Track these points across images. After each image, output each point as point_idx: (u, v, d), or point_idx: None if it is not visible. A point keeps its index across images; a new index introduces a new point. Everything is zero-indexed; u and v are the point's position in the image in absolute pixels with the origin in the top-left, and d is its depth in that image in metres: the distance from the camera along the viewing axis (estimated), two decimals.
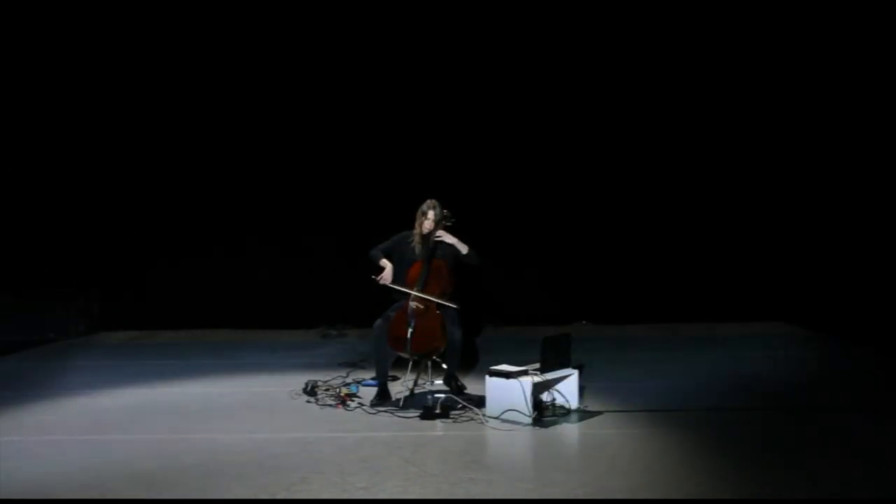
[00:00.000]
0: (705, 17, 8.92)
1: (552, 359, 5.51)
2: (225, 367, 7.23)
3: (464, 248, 6.17)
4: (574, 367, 5.69)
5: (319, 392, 6.06)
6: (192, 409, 5.84)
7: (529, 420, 5.29)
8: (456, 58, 8.95)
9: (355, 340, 8.34)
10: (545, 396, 5.56)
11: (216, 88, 8.99)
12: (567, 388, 5.61)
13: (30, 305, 8.59)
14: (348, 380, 6.45)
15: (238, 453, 4.81)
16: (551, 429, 5.26)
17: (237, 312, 9.07)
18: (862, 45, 8.27)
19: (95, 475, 4.48)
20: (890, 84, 8.05)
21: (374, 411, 5.66)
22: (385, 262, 6.20)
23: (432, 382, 6.30)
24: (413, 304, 5.95)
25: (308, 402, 5.92)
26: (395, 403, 5.78)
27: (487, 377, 5.52)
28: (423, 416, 5.46)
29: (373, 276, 6.15)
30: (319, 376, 6.47)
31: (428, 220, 6.18)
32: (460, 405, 5.59)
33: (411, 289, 6.00)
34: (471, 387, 6.10)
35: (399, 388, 6.16)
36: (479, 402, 5.59)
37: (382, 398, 5.87)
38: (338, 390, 6.06)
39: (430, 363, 6.27)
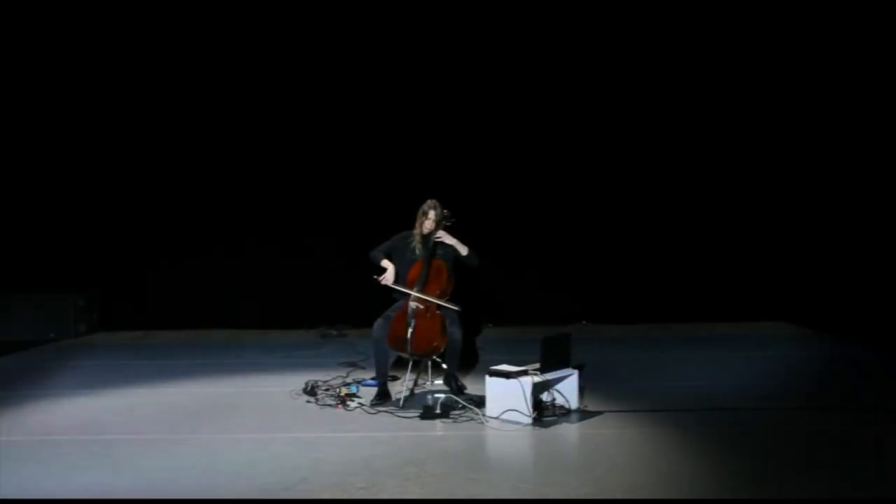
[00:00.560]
0: (705, 17, 8.93)
1: (552, 359, 5.51)
2: (225, 367, 7.23)
3: (464, 250, 6.17)
4: (574, 367, 5.69)
5: (319, 392, 6.06)
6: (192, 409, 5.84)
7: (529, 420, 5.29)
8: (456, 58, 8.95)
9: (355, 340, 8.33)
10: (545, 396, 5.56)
11: (216, 89, 8.98)
12: (567, 388, 5.61)
13: (30, 305, 8.59)
14: (348, 380, 6.45)
15: (238, 453, 4.81)
16: (551, 429, 5.26)
17: (237, 312, 9.07)
18: (862, 45, 8.27)
19: (95, 475, 4.47)
20: (890, 83, 8.04)
21: (374, 411, 5.66)
22: (387, 263, 6.20)
23: (432, 382, 6.30)
24: (413, 304, 5.95)
25: (308, 402, 5.92)
26: (395, 403, 5.78)
27: (487, 377, 5.52)
28: (423, 416, 5.47)
29: (374, 277, 6.16)
30: (319, 376, 6.47)
31: (429, 220, 6.18)
32: (460, 405, 5.59)
33: (411, 289, 6.00)
34: (471, 387, 6.11)
35: (399, 388, 6.16)
36: (480, 402, 5.59)
37: (382, 398, 5.87)
38: (338, 390, 6.06)
39: (430, 363, 6.27)
